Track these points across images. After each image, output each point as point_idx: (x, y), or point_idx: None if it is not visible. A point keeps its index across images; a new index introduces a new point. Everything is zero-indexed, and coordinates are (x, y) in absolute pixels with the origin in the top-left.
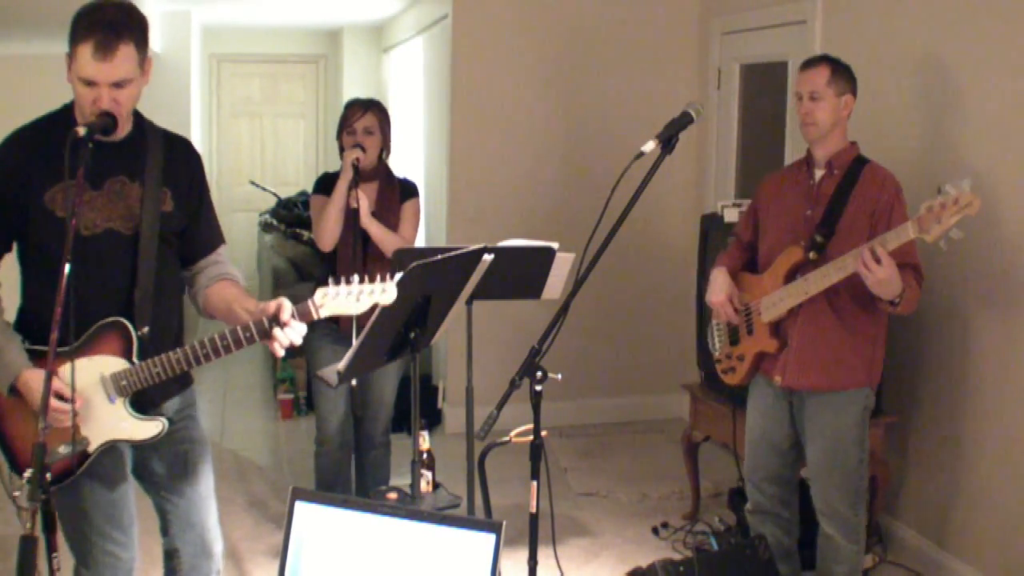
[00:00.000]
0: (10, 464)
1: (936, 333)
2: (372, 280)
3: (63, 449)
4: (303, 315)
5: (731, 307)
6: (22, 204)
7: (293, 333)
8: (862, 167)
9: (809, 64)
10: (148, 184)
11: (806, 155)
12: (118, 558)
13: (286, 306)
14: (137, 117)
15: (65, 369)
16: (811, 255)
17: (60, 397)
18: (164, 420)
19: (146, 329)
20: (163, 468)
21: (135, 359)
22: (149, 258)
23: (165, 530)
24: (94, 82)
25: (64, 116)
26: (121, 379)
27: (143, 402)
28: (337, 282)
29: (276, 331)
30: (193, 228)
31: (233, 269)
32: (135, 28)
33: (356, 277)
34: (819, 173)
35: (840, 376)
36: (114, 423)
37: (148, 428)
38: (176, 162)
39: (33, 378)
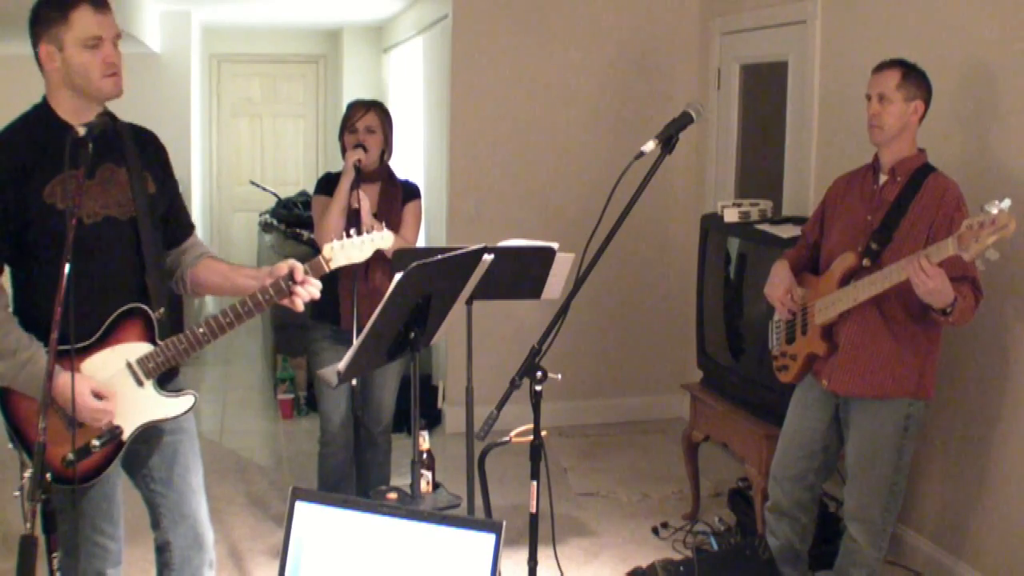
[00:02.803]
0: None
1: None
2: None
3: (96, 442)
4: (315, 271)
5: (788, 301)
6: (22, 206)
7: (312, 289)
8: (926, 176)
9: (882, 66)
10: (132, 168)
11: (873, 159)
12: (107, 550)
13: (299, 267)
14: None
15: (91, 365)
16: (865, 261)
17: (96, 395)
18: (194, 393)
19: (162, 310)
20: (154, 460)
21: (158, 340)
22: (149, 239)
23: (156, 523)
24: (99, 39)
25: (43, 113)
26: (148, 362)
27: (164, 381)
28: (340, 238)
29: (297, 289)
30: (172, 212)
31: (210, 248)
32: None
33: (354, 231)
34: (883, 179)
35: (883, 384)
36: (146, 406)
37: (181, 403)
38: (147, 149)
39: (64, 382)
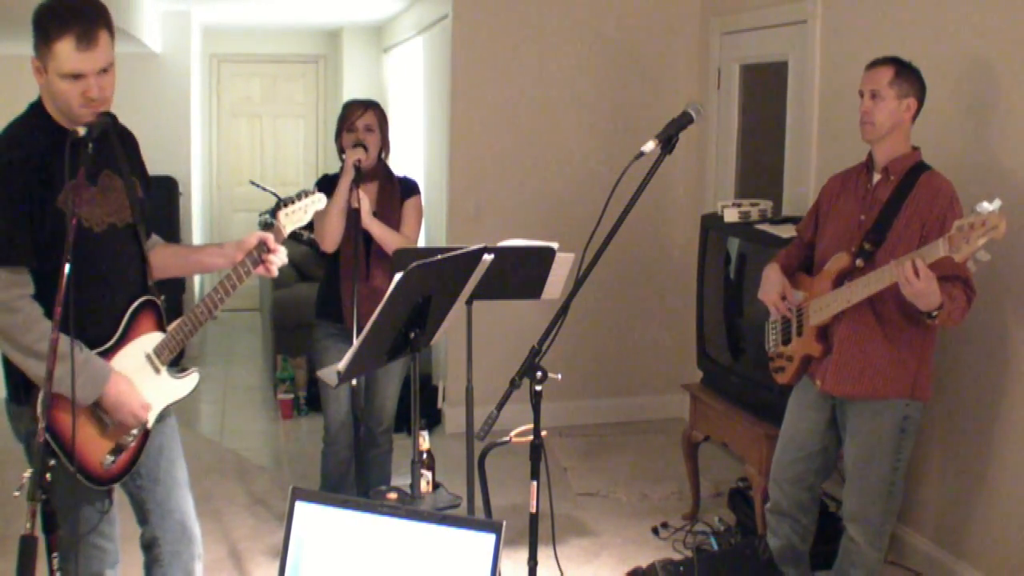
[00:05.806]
0: (68, 458)
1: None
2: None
3: (128, 438)
4: (277, 237)
5: (783, 304)
6: (42, 211)
7: (282, 255)
8: (919, 175)
9: (875, 63)
10: (124, 174)
11: (867, 158)
12: (104, 550)
13: (269, 237)
14: None
15: (117, 363)
16: (858, 262)
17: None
18: (196, 369)
19: (163, 297)
20: (140, 455)
21: (166, 327)
22: (144, 240)
23: (143, 519)
24: (81, 74)
25: (42, 120)
26: (163, 349)
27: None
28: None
29: (269, 256)
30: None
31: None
32: (104, 14)
33: (304, 192)
34: (876, 177)
35: (877, 385)
36: (163, 392)
37: (189, 382)
38: (131, 151)
39: (121, 380)
